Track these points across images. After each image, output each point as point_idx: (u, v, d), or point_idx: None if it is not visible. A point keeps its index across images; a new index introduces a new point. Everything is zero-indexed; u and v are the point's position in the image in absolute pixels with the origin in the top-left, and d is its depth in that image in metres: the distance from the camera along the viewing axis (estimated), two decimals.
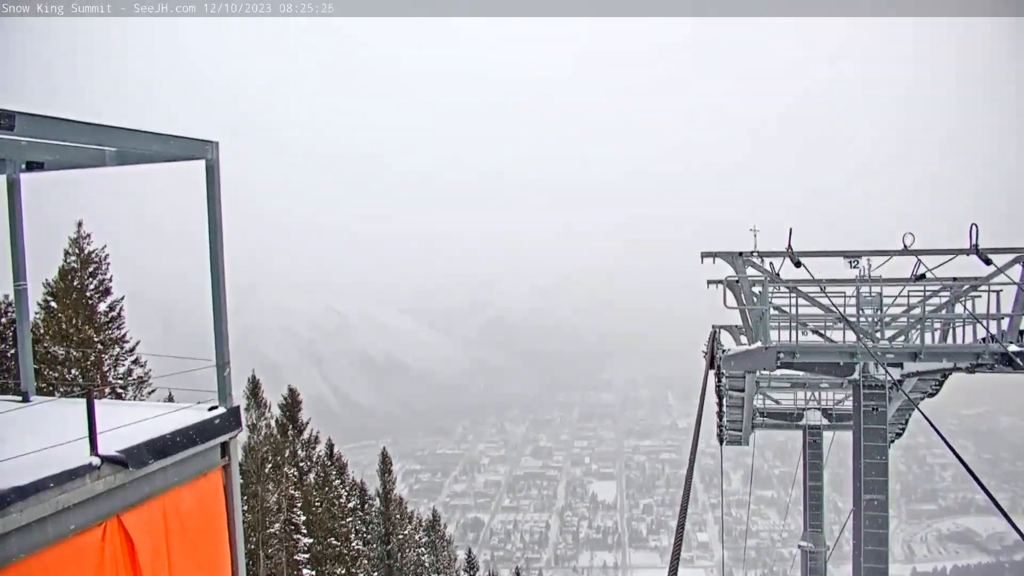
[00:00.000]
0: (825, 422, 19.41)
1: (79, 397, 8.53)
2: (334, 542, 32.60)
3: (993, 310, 12.26)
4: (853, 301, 13.25)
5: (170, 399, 17.41)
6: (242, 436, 12.31)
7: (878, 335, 13.05)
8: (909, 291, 13.37)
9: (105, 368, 22.95)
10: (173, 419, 7.57)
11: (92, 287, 23.05)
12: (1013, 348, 11.94)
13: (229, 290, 8.21)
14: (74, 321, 22.25)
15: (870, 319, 13.12)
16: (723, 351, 13.54)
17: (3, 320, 20.73)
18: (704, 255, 13.42)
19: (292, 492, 30.53)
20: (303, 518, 30.55)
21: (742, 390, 16.39)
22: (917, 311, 13.11)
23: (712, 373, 14.14)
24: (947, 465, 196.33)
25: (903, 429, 19.44)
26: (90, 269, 23.05)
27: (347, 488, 37.46)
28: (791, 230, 12.99)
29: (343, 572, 32.37)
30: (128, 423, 6.95)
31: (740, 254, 13.12)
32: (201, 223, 8.01)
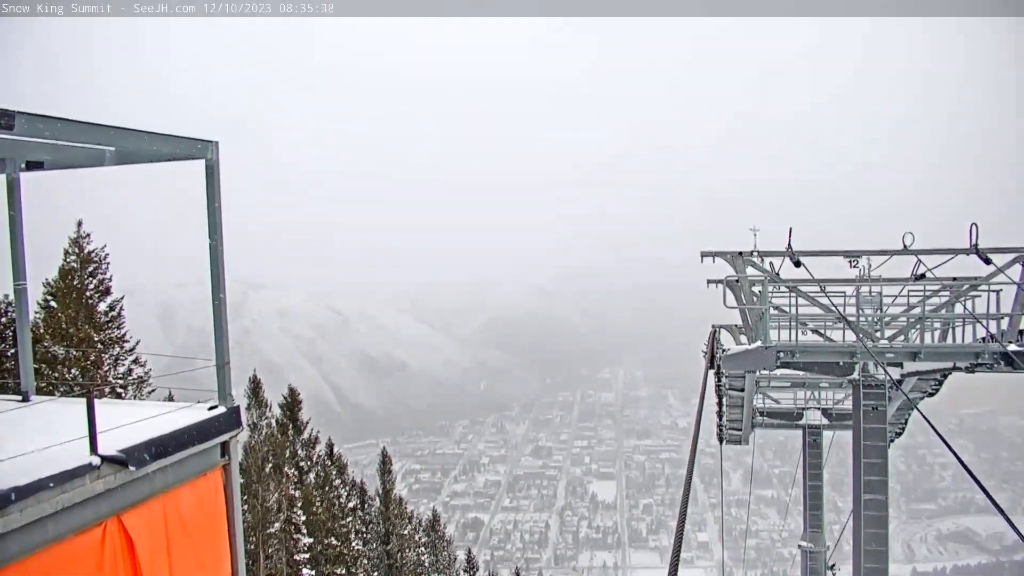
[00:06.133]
0: (825, 422, 19.40)
1: (79, 397, 8.53)
2: (334, 542, 32.60)
3: (993, 310, 12.25)
4: (853, 301, 13.24)
5: (170, 399, 17.40)
6: (242, 436, 12.32)
7: (878, 335, 13.04)
8: (909, 291, 13.36)
9: (105, 368, 22.93)
10: (173, 419, 7.57)
11: (92, 287, 23.03)
12: (1013, 348, 11.93)
13: (229, 290, 8.22)
14: (75, 321, 22.24)
15: (870, 319, 13.11)
16: (723, 351, 13.53)
17: (3, 320, 20.71)
18: (704, 255, 13.41)
19: (292, 492, 30.52)
20: (303, 518, 30.55)
21: (742, 390, 16.38)
22: (917, 311, 13.10)
23: (712, 373, 14.13)
24: (947, 465, 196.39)
25: (903, 429, 19.44)
26: (90, 269, 23.03)
27: (347, 488, 37.44)
28: (791, 230, 12.99)
29: (343, 572, 32.37)
30: (128, 423, 6.95)
31: (740, 254, 13.12)
32: (201, 223, 8.02)
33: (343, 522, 34.15)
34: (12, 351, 19.24)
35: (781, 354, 12.65)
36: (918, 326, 13.11)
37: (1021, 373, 12.11)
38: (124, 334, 23.67)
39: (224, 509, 8.07)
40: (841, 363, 12.75)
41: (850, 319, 12.56)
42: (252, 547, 27.43)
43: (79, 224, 23.10)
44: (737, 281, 13.10)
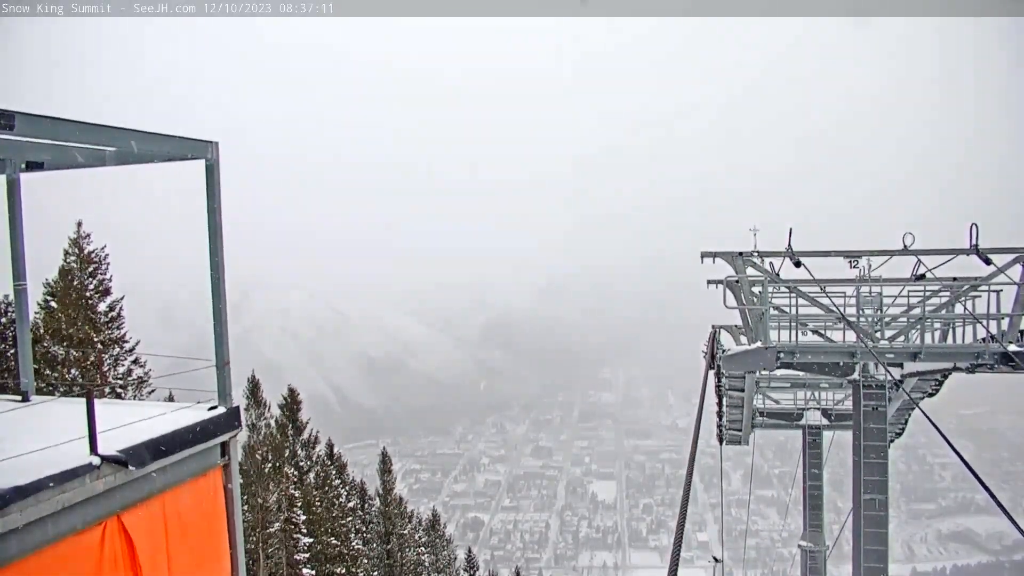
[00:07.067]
0: (825, 422, 19.41)
1: (79, 397, 8.53)
2: (334, 542, 32.60)
3: (993, 310, 12.25)
4: (853, 301, 13.25)
5: (170, 399, 17.40)
6: (242, 436, 12.32)
7: (878, 335, 13.04)
8: (909, 291, 13.36)
9: (105, 368, 22.94)
10: (173, 419, 7.57)
11: (92, 287, 23.04)
12: (1013, 348, 11.92)
13: (229, 290, 8.21)
14: (75, 321, 22.24)
15: (870, 319, 13.12)
16: (723, 351, 13.54)
17: (3, 320, 20.72)
18: (704, 255, 13.42)
19: (292, 492, 30.52)
20: (303, 518, 30.55)
21: (742, 390, 16.39)
22: (917, 311, 13.10)
23: (712, 373, 14.14)
24: (947, 465, 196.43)
25: (903, 429, 19.45)
26: (90, 269, 23.04)
27: (347, 488, 37.46)
28: (791, 230, 12.99)
29: (343, 572, 32.37)
30: (128, 423, 6.95)
31: (740, 254, 13.12)
32: (201, 223, 8.02)
33: (343, 522, 34.15)
34: (12, 351, 19.24)
35: (781, 354, 12.65)
36: (918, 326, 13.10)
37: (1021, 373, 12.11)
38: (124, 334, 23.68)
39: (224, 509, 8.08)
40: (841, 363, 12.74)
41: (850, 319, 12.56)
42: (252, 547, 27.43)
43: (79, 224, 23.11)
44: (737, 281, 13.10)
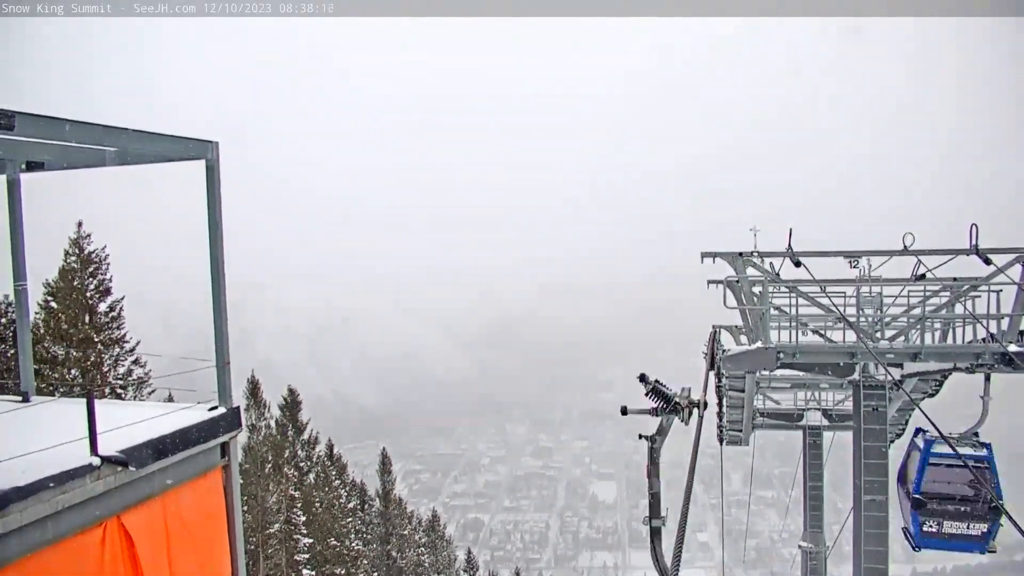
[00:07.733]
0: (825, 422, 19.40)
1: (79, 397, 8.54)
2: (334, 542, 32.60)
3: (993, 310, 12.25)
4: (853, 301, 13.25)
5: (170, 399, 17.41)
6: (242, 436, 12.31)
7: (878, 335, 13.04)
8: (909, 291, 13.36)
9: (105, 368, 22.94)
10: (173, 419, 7.58)
11: (92, 287, 23.04)
12: (1013, 348, 11.92)
13: (229, 290, 8.21)
14: (75, 321, 22.25)
15: (870, 319, 13.12)
16: (723, 351, 13.54)
17: (3, 320, 20.72)
18: (704, 255, 13.42)
19: (292, 492, 30.52)
20: (303, 518, 30.55)
21: (742, 390, 16.37)
22: (917, 311, 13.10)
23: (712, 373, 14.13)
24: None
25: (903, 430, 19.41)
26: (90, 269, 23.05)
27: (347, 488, 37.48)
28: (791, 230, 13.00)
29: (343, 573, 32.36)
30: (128, 423, 6.96)
31: (740, 254, 13.13)
32: (201, 223, 8.02)
33: (343, 522, 34.16)
34: (12, 351, 19.25)
35: (781, 355, 12.64)
36: (918, 326, 13.10)
37: (1021, 373, 12.11)
38: (124, 335, 23.69)
39: (224, 509, 8.08)
40: (841, 364, 12.73)
41: (850, 319, 12.55)
42: (252, 547, 27.43)
43: (79, 225, 23.12)
44: (737, 282, 13.10)
